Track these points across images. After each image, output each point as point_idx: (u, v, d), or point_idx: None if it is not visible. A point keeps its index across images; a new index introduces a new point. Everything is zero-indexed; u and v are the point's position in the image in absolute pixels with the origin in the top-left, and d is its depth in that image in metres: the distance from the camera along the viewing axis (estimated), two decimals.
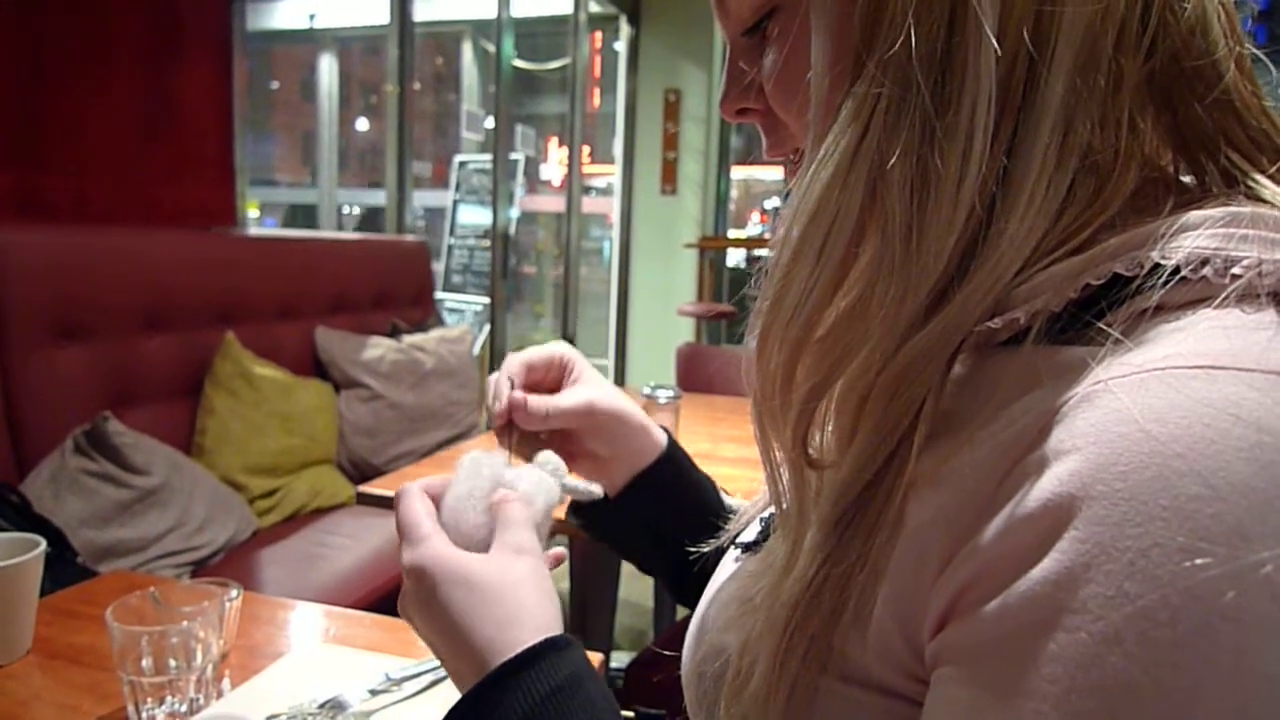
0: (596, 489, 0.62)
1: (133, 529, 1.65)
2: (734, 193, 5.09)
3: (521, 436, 0.65)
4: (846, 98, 0.37)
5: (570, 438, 0.68)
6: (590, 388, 0.67)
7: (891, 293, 0.35)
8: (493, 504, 0.54)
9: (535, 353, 0.68)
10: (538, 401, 0.65)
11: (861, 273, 0.37)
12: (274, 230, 5.85)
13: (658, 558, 0.71)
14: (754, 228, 6.25)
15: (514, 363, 0.67)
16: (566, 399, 0.66)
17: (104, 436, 1.67)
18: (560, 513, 0.63)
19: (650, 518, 0.69)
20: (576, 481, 0.62)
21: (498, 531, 0.52)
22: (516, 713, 0.43)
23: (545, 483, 0.57)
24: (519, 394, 0.65)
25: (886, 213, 0.36)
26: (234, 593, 0.82)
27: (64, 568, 1.47)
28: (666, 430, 0.72)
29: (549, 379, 0.68)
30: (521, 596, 0.48)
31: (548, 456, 0.60)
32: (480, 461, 0.57)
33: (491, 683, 0.45)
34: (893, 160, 0.35)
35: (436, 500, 0.55)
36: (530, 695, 0.43)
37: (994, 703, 0.29)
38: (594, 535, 0.73)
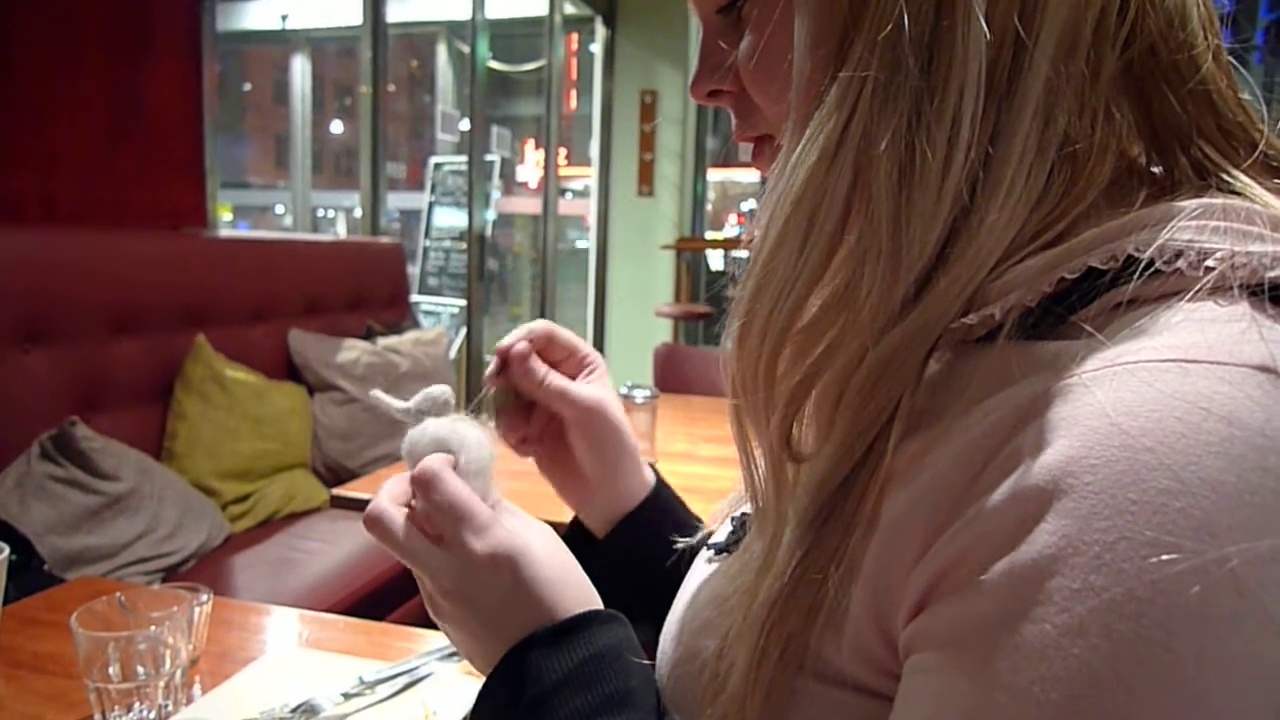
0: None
1: (101, 536, 1.62)
2: (711, 195, 5.10)
3: (509, 400, 0.62)
4: (832, 81, 0.36)
5: (561, 440, 0.65)
6: (606, 391, 0.64)
7: (878, 281, 0.35)
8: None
9: (565, 333, 0.64)
10: (556, 380, 0.62)
11: (845, 260, 0.37)
12: (245, 232, 5.78)
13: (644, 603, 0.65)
14: (731, 229, 6.27)
15: (540, 326, 0.63)
16: (579, 387, 0.63)
17: (71, 442, 1.64)
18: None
19: (635, 562, 0.65)
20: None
21: (501, 512, 0.51)
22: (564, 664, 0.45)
23: (476, 430, 0.53)
24: (524, 346, 0.62)
25: (872, 199, 0.35)
26: (204, 597, 0.80)
27: (30, 576, 1.44)
28: (658, 473, 0.69)
29: (567, 364, 0.65)
30: (568, 562, 0.50)
31: (438, 391, 0.55)
32: (436, 430, 0.53)
33: (557, 632, 0.46)
34: (881, 145, 0.35)
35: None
36: (580, 651, 0.46)
37: (960, 690, 0.30)
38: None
